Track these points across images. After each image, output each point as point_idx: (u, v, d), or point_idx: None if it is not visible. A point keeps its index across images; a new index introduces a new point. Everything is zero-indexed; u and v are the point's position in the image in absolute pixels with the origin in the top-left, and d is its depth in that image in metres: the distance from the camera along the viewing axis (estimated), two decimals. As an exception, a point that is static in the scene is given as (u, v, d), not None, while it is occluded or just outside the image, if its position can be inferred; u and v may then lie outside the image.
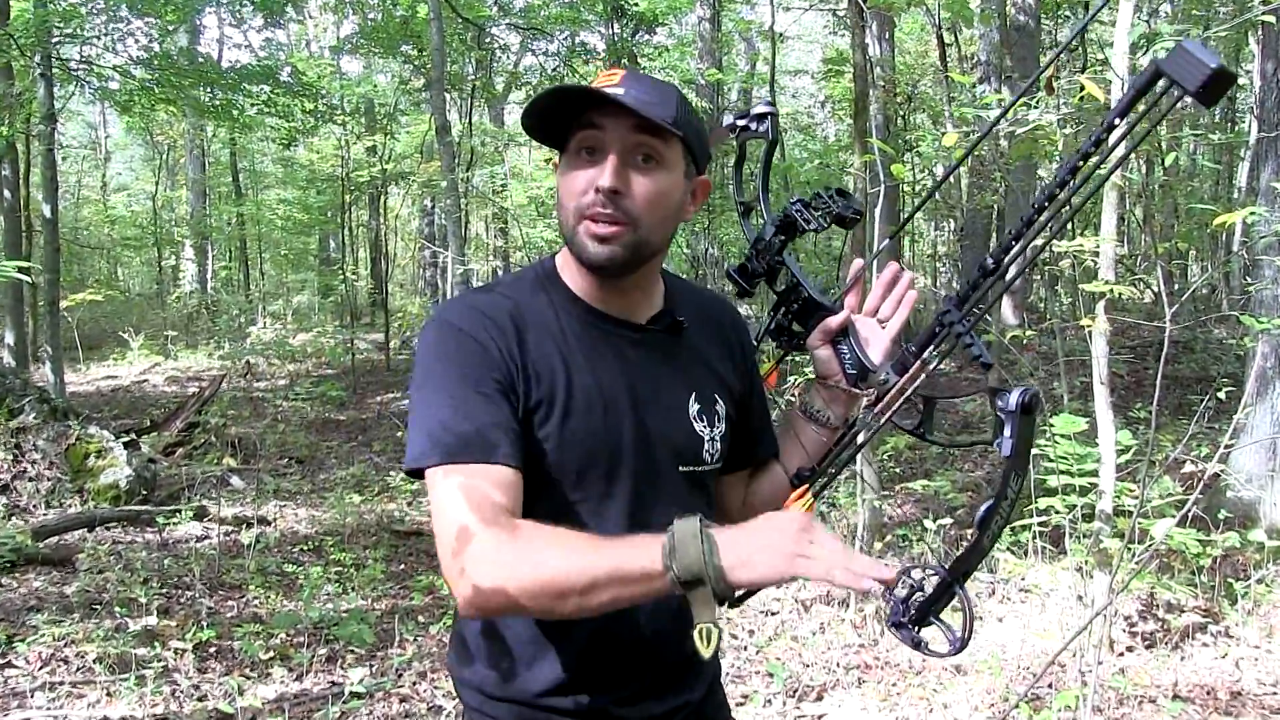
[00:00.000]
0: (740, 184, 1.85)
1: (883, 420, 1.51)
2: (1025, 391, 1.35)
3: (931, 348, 1.47)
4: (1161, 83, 1.20)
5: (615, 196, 1.47)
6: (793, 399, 1.84)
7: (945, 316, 1.43)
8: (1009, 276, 1.41)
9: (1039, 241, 1.37)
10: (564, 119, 1.50)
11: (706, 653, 1.26)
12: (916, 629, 1.47)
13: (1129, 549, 4.10)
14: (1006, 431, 1.36)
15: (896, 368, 1.52)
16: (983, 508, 1.40)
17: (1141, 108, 1.28)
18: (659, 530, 1.55)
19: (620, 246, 1.49)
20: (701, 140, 1.56)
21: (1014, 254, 1.38)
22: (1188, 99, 1.18)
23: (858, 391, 1.61)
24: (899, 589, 1.49)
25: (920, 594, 1.47)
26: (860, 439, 1.60)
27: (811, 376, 1.75)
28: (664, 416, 1.59)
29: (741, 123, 1.74)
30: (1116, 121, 1.25)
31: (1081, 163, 1.27)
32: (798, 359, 1.81)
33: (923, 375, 1.48)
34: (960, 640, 1.42)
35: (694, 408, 1.62)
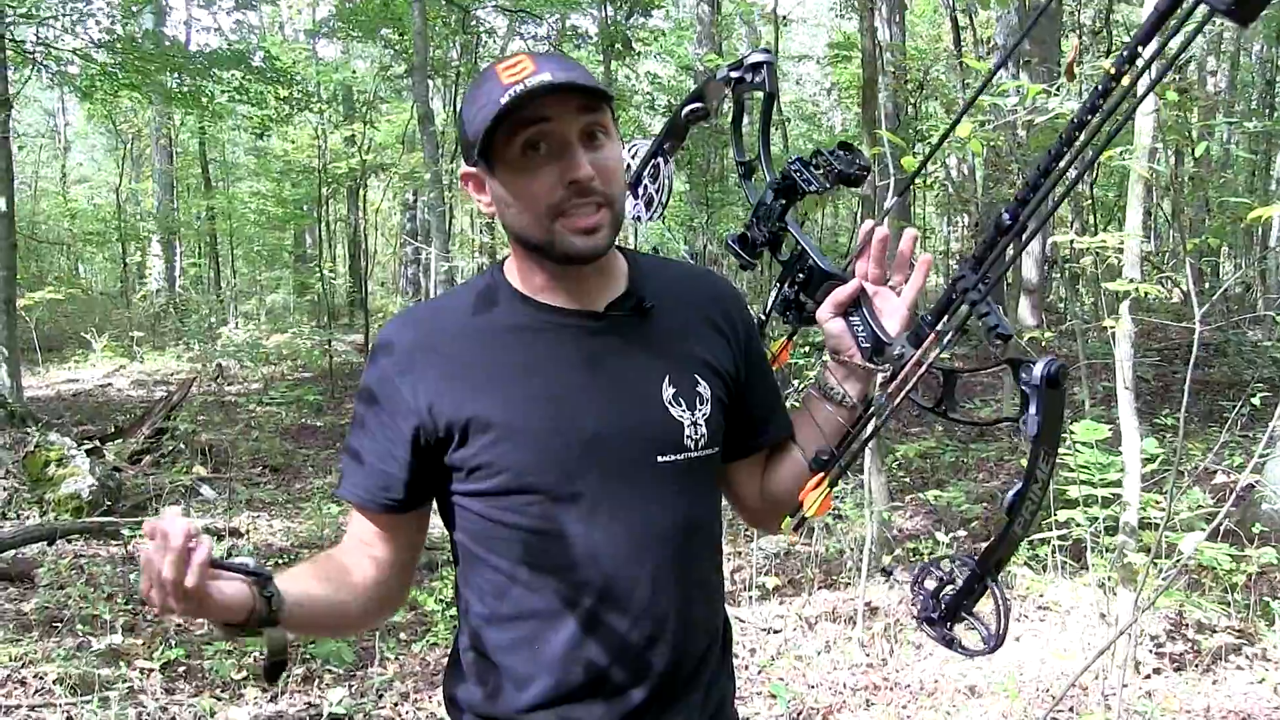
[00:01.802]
0: (740, 142, 1.83)
1: (897, 399, 1.47)
2: (1050, 363, 1.32)
3: (946, 317, 1.43)
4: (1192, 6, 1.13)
5: (590, 183, 1.49)
6: (798, 378, 1.80)
7: (960, 282, 1.39)
8: (1028, 233, 1.36)
9: (1060, 191, 1.34)
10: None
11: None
12: (949, 625, 1.47)
13: (1155, 564, 4.11)
14: (1031, 409, 1.33)
15: (912, 340, 1.48)
16: (1010, 493, 1.38)
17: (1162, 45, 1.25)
18: (637, 528, 1.58)
19: (606, 232, 1.53)
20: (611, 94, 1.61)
21: (1032, 206, 1.33)
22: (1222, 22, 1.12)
23: (872, 367, 1.57)
24: (928, 581, 1.48)
25: (951, 587, 1.46)
26: (875, 421, 1.58)
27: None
28: (632, 406, 1.59)
29: (736, 75, 1.72)
30: (1140, 49, 1.20)
31: (1102, 100, 1.23)
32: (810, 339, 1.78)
33: (938, 350, 1.44)
34: (996, 637, 1.41)
35: (668, 392, 1.61)
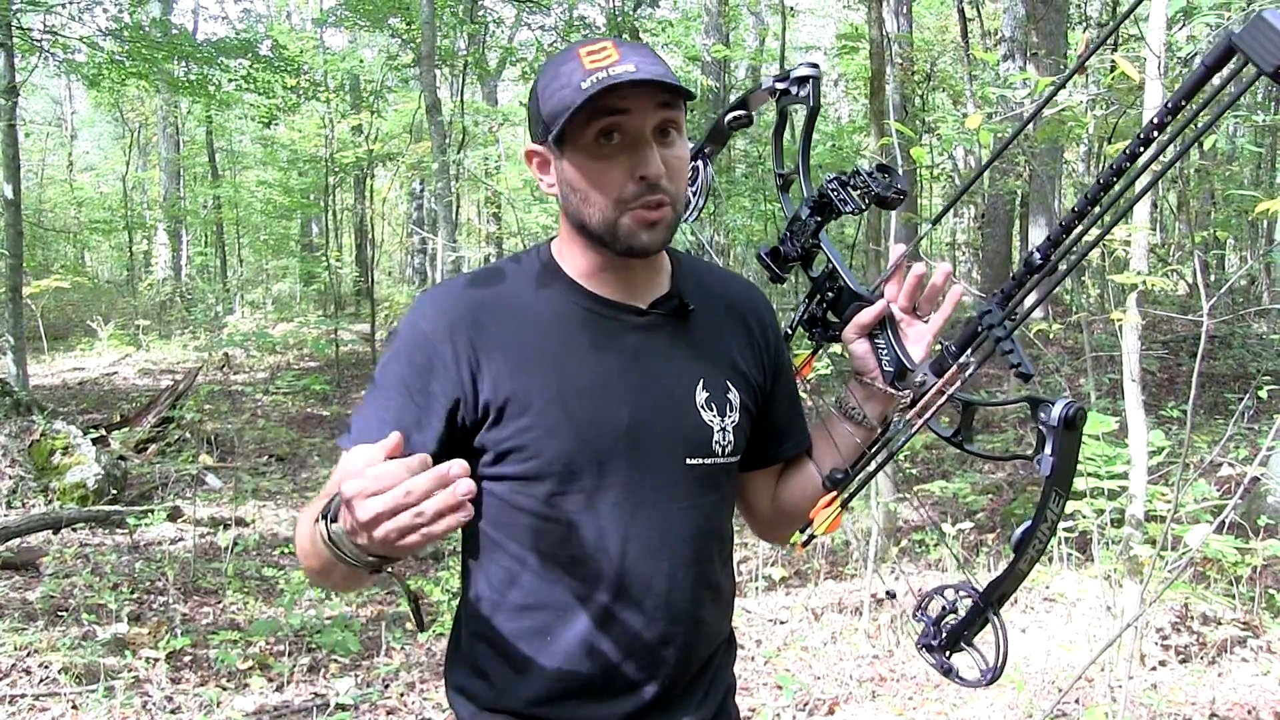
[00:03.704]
0: (780, 154, 1.83)
1: (916, 427, 1.49)
2: (1069, 405, 1.32)
3: (970, 350, 1.44)
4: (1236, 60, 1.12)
5: (660, 180, 1.49)
6: (814, 393, 1.79)
7: (986, 317, 1.40)
8: (1057, 274, 1.37)
9: (1092, 235, 1.33)
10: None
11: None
12: (948, 654, 1.47)
13: (1161, 557, 4.09)
14: (1048, 449, 1.34)
15: (934, 368, 1.49)
16: (1019, 530, 1.40)
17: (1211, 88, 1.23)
18: (658, 526, 1.56)
19: (667, 228, 1.52)
20: None
21: (1064, 248, 1.34)
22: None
23: (894, 392, 1.57)
24: (932, 608, 1.49)
25: (953, 615, 1.47)
26: (894, 445, 1.57)
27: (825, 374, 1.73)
28: (666, 405, 1.58)
29: (781, 86, 1.72)
30: (1182, 103, 1.20)
31: (1142, 148, 1.23)
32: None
33: (959, 381, 1.45)
34: (993, 671, 1.42)
35: (702, 396, 1.61)
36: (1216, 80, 1.17)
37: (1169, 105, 1.18)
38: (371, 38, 20.29)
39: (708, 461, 1.61)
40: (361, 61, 19.97)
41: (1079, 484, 4.62)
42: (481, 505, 1.60)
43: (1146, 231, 4.59)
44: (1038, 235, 11.76)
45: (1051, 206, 11.75)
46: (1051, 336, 5.96)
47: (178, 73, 13.89)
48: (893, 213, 6.45)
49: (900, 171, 1.63)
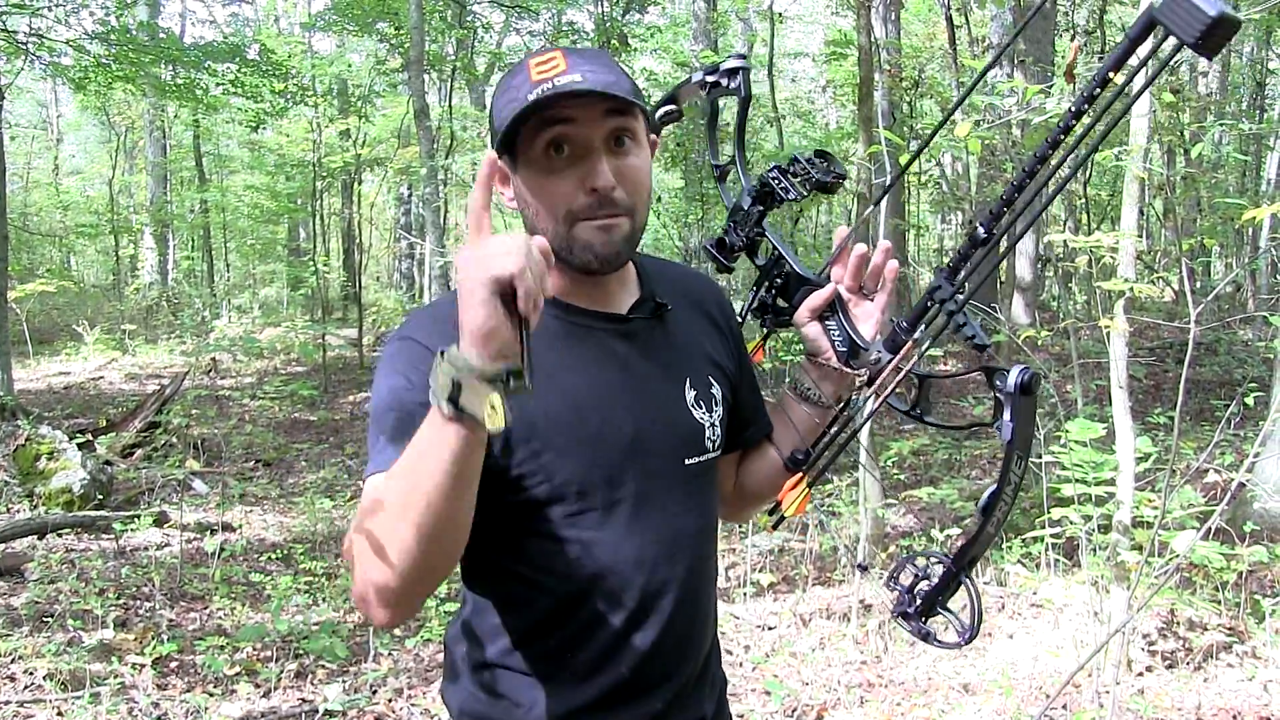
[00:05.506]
0: (715, 146, 1.85)
1: (879, 401, 1.52)
2: (1024, 370, 1.36)
3: (923, 325, 1.48)
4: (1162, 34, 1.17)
5: (611, 193, 1.47)
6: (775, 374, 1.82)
7: (937, 292, 1.44)
8: (1004, 247, 1.43)
9: (1036, 207, 1.38)
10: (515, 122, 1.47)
11: (497, 420, 1.23)
12: (924, 620, 1.50)
13: (1148, 563, 4.11)
14: (1006, 415, 1.37)
15: (888, 345, 1.53)
16: (985, 494, 1.43)
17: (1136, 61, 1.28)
18: (669, 530, 1.56)
19: (621, 238, 1.50)
20: (644, 100, 1.57)
21: (1007, 222, 1.39)
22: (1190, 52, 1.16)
23: (850, 370, 1.61)
24: (904, 577, 1.51)
25: (926, 582, 1.50)
26: (857, 421, 1.62)
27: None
28: (661, 409, 1.58)
29: (711, 79, 1.73)
30: (1110, 76, 1.25)
31: (1074, 121, 1.28)
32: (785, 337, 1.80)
33: (915, 356, 1.49)
34: (970, 630, 1.45)
35: (690, 395, 1.61)
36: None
37: (1097, 79, 1.24)
38: (359, 42, 20.27)
39: (703, 459, 1.62)
40: (350, 66, 19.96)
41: (1067, 490, 4.64)
42: (483, 526, 1.51)
43: (1133, 239, 4.62)
44: (1025, 241, 11.81)
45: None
46: (1040, 343, 5.98)
47: (165, 76, 13.86)
48: (881, 216, 6.48)
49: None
